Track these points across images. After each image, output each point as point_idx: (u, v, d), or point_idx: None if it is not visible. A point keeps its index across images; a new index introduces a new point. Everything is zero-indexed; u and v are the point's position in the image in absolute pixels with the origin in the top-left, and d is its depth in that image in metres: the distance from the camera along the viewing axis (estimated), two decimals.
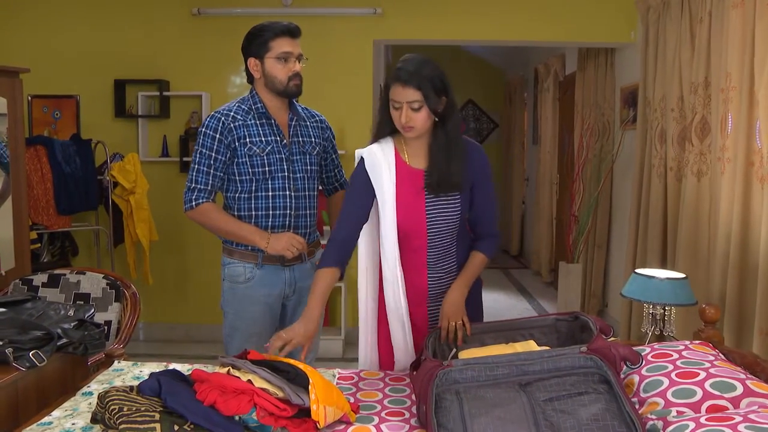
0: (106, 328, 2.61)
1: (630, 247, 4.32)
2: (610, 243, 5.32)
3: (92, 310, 2.33)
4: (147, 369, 2.27)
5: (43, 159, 4.24)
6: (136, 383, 2.09)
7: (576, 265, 5.10)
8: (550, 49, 6.66)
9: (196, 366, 2.24)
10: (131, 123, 4.88)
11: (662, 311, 2.84)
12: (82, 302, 2.79)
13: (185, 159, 4.83)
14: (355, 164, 2.25)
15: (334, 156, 2.69)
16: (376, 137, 2.24)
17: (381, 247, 2.24)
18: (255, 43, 2.41)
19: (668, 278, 2.79)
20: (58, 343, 2.05)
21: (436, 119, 2.13)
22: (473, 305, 2.35)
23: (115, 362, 2.32)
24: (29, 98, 4.74)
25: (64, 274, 2.92)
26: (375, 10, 4.70)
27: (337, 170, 2.72)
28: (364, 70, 4.81)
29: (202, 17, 4.78)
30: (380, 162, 2.17)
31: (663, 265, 3.86)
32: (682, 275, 2.83)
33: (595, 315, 3.28)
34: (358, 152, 2.24)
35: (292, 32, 2.41)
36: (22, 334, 1.99)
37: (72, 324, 2.17)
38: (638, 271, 2.92)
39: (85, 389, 2.07)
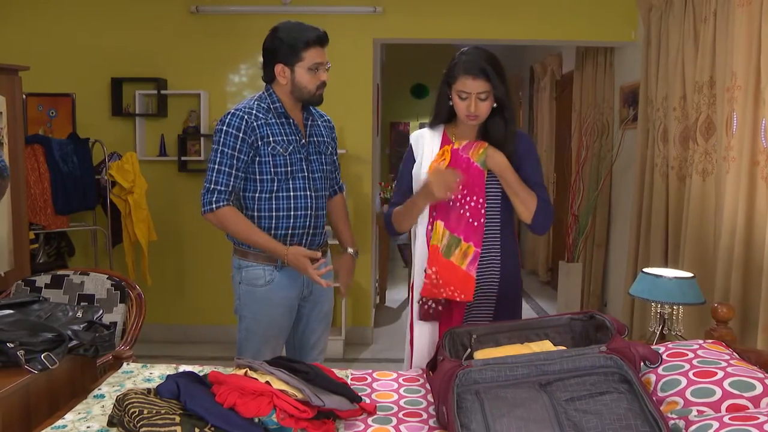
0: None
1: (632, 246, 4.33)
2: (610, 242, 5.32)
3: (100, 312, 2.29)
4: (157, 371, 2.24)
5: (41, 158, 4.19)
6: (147, 385, 2.08)
7: (576, 265, 5.10)
8: (546, 48, 6.66)
9: (207, 368, 2.22)
10: (128, 122, 4.83)
11: (670, 310, 2.84)
12: (86, 303, 2.75)
13: (183, 158, 4.79)
14: (408, 145, 2.46)
15: (335, 158, 2.66)
16: (431, 126, 2.40)
17: (417, 224, 2.36)
18: (284, 50, 2.33)
19: (676, 277, 2.79)
20: (69, 345, 2.02)
21: (494, 106, 2.27)
22: (513, 303, 2.41)
23: (124, 364, 2.30)
24: (24, 96, 4.68)
25: (68, 275, 2.87)
26: (375, 9, 4.68)
27: (337, 172, 2.68)
28: (364, 69, 4.79)
29: (200, 15, 4.74)
30: (425, 139, 2.37)
31: (666, 263, 3.87)
32: (689, 274, 2.83)
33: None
34: (411, 135, 2.46)
35: (323, 41, 2.36)
36: (32, 336, 1.95)
37: (81, 326, 2.14)
38: (646, 270, 2.91)
39: (96, 392, 2.04)
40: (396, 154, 10.26)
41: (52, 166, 4.21)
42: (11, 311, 2.14)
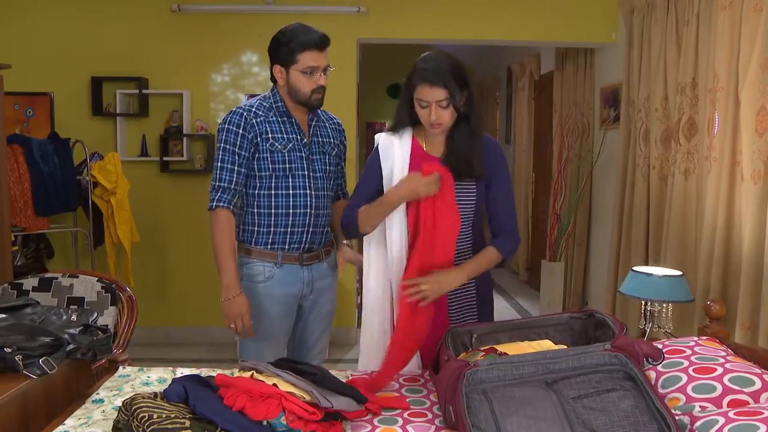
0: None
1: (614, 245, 4.38)
2: (590, 241, 5.38)
3: (95, 315, 2.25)
4: (154, 374, 2.21)
5: (20, 158, 4.11)
6: (145, 389, 2.05)
7: (558, 264, 5.15)
8: (524, 48, 6.71)
9: (203, 371, 2.19)
10: (109, 122, 4.76)
11: (659, 308, 2.89)
12: (76, 306, 2.70)
13: (165, 159, 4.73)
14: (374, 146, 2.31)
15: (343, 163, 2.68)
16: (395, 130, 2.26)
17: (387, 237, 2.23)
18: (282, 52, 2.35)
19: (666, 276, 2.83)
20: (67, 349, 1.98)
21: (459, 112, 2.16)
22: (484, 305, 2.38)
23: (120, 368, 2.26)
24: None
25: (56, 278, 2.81)
26: (358, 9, 4.67)
27: (342, 179, 2.69)
28: (348, 69, 4.77)
29: (182, 14, 4.69)
30: (394, 145, 2.23)
31: (647, 262, 3.93)
32: (678, 272, 2.89)
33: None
34: (377, 135, 2.31)
35: (321, 45, 2.34)
36: (30, 340, 1.91)
37: (77, 329, 2.10)
38: (636, 268, 2.96)
39: (94, 396, 2.01)
40: None
41: (33, 166, 4.14)
42: (4, 315, 2.09)
